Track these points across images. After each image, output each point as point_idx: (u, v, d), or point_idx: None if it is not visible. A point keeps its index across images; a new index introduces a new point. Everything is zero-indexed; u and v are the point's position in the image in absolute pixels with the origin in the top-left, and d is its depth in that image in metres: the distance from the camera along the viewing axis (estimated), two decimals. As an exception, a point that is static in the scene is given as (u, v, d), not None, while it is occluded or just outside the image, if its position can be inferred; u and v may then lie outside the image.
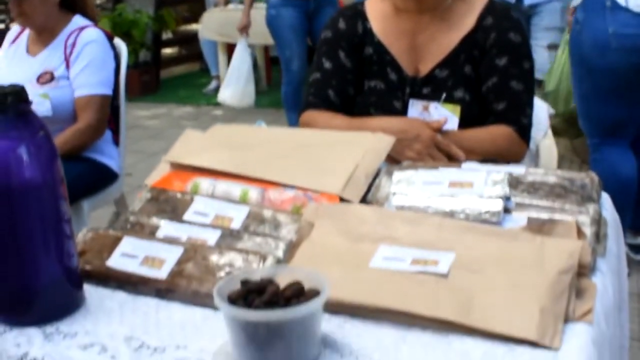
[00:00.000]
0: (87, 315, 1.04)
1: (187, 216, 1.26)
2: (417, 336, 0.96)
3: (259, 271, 0.98)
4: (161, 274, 1.10)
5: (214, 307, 1.03)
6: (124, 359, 0.94)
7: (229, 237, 1.18)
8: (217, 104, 5.73)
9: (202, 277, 1.08)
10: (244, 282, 0.94)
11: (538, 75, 3.85)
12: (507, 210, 1.21)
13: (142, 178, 1.40)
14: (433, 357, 0.92)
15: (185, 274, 1.09)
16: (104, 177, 2.44)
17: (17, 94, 1.01)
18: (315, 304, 0.88)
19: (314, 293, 0.91)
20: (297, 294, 0.91)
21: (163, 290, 1.08)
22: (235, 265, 1.09)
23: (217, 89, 6.14)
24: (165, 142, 1.37)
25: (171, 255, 1.12)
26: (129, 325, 1.01)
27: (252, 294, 0.92)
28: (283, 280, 0.94)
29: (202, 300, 1.06)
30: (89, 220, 2.34)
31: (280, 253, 1.13)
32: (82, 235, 1.18)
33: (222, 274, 1.07)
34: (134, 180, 3.60)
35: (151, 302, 1.07)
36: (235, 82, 5.34)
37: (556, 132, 3.10)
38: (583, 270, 1.08)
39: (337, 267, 1.07)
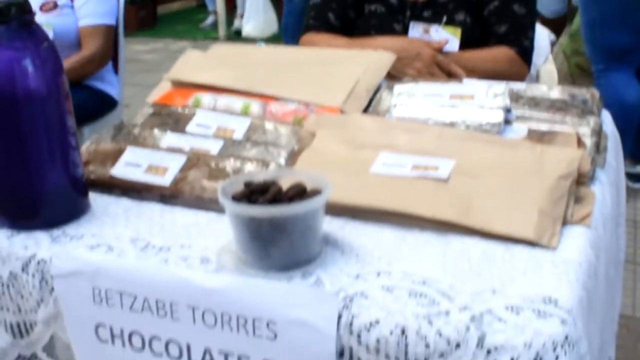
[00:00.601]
0: (92, 219, 1.06)
1: (189, 128, 1.26)
2: (416, 236, 0.98)
3: (262, 174, 1.00)
4: (165, 180, 1.11)
5: (217, 211, 1.05)
6: (130, 256, 0.95)
7: (232, 147, 1.19)
8: (215, 38, 5.69)
9: (205, 183, 1.09)
10: (248, 184, 0.95)
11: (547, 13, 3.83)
12: (507, 122, 1.22)
13: (140, 109, 1.40)
14: (432, 255, 0.94)
15: (188, 181, 1.10)
16: (105, 105, 2.45)
17: (21, 5, 1.01)
18: (318, 200, 0.89)
19: (316, 192, 0.93)
20: (300, 193, 0.93)
21: (167, 196, 1.10)
22: (238, 172, 1.10)
23: (214, 24, 6.10)
24: (162, 75, 1.38)
25: (174, 163, 1.13)
26: (134, 228, 1.03)
27: (256, 193, 0.93)
28: (286, 182, 0.96)
29: (205, 204, 1.08)
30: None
31: (282, 160, 1.15)
32: (85, 147, 1.19)
33: (225, 179, 1.09)
34: (132, 111, 3.61)
35: (155, 208, 1.09)
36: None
37: (583, 69, 3.10)
38: (582, 179, 1.09)
39: (338, 173, 1.08)
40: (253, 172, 1.02)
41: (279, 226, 0.89)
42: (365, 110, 1.32)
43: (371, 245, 0.96)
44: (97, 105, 2.41)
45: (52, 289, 0.96)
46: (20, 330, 0.99)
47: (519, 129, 1.19)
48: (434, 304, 0.84)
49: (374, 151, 1.13)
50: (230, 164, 1.11)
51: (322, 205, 0.91)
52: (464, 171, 1.06)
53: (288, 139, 1.21)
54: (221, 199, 0.91)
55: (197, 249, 0.97)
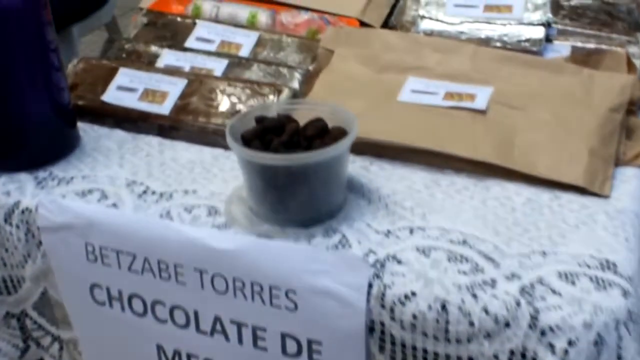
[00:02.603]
0: (82, 157, 0.93)
1: (189, 43, 1.12)
2: (451, 180, 0.87)
3: (274, 106, 0.87)
4: (163, 109, 0.98)
5: (224, 146, 0.93)
6: (127, 206, 0.84)
7: (237, 67, 1.05)
8: None
9: (209, 111, 0.96)
10: (259, 120, 0.83)
11: None
12: (548, 38, 1.07)
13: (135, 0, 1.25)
14: (471, 205, 0.82)
15: (190, 109, 0.97)
16: (93, -1, 2.25)
17: None
18: (342, 145, 0.77)
19: (339, 132, 0.80)
20: (320, 132, 0.80)
21: (166, 127, 0.97)
22: (245, 98, 0.97)
23: None
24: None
25: (174, 88, 1.00)
26: (130, 168, 0.91)
27: (269, 133, 0.80)
28: (303, 116, 0.83)
29: (210, 138, 0.95)
30: (80, 48, 2.19)
31: (296, 84, 1.01)
32: (72, 67, 1.05)
33: (231, 108, 0.96)
34: (125, 1, 3.38)
35: (153, 141, 0.96)
36: None
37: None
38: (632, 108, 0.96)
39: (361, 101, 0.95)
40: (264, 105, 0.89)
41: (298, 175, 0.77)
42: (386, 21, 1.17)
43: (401, 192, 0.85)
44: (85, 0, 2.21)
45: (40, 243, 0.85)
46: (7, 286, 0.89)
47: (561, 47, 1.05)
48: (478, 270, 0.73)
49: (401, 74, 0.99)
50: (237, 90, 0.98)
51: (348, 149, 0.79)
52: (503, 100, 0.93)
53: (302, 58, 1.07)
54: (230, 142, 0.78)
55: (203, 196, 0.85)
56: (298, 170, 0.77)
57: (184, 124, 0.96)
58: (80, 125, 0.98)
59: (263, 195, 0.80)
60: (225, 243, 0.75)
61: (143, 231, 0.78)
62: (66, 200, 0.85)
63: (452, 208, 0.82)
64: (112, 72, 1.03)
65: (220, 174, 0.89)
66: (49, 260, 0.85)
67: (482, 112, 0.91)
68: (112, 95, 1.00)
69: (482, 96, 0.93)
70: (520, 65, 0.98)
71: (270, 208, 0.80)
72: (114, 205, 0.84)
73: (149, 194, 0.86)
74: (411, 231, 0.78)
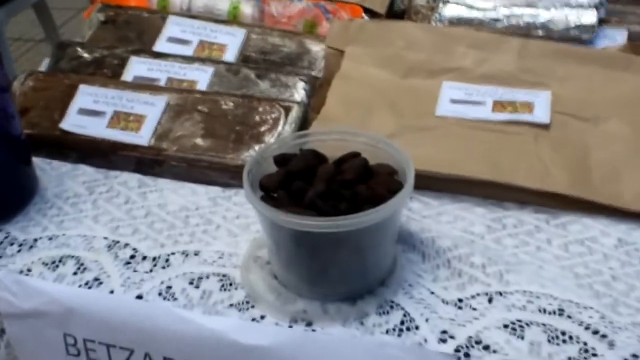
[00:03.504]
0: (44, 209, 0.73)
1: (159, 45, 0.91)
2: (517, 218, 0.69)
3: (289, 137, 0.67)
4: (140, 137, 0.78)
5: (222, 184, 0.74)
6: (114, 280, 0.64)
7: (226, 76, 0.85)
8: None
9: (202, 140, 0.77)
10: (280, 160, 0.64)
11: None
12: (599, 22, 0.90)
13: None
14: (551, 253, 0.65)
15: (175, 137, 0.77)
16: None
17: None
18: (401, 198, 0.58)
19: (386, 172, 0.62)
20: (363, 175, 0.62)
21: (146, 161, 0.77)
22: (246, 120, 0.77)
23: None
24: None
25: (152, 110, 0.80)
26: (108, 223, 0.71)
27: (295, 179, 0.62)
28: (326, 147, 0.65)
29: (204, 174, 0.76)
30: (7, 32, 1.94)
31: (302, 95, 0.82)
32: (18, 84, 0.83)
33: (230, 132, 0.77)
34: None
35: (132, 181, 0.76)
36: None
37: None
38: None
39: (388, 117, 0.77)
40: (282, 139, 0.69)
41: (346, 239, 0.59)
42: (391, 5, 0.98)
43: (461, 239, 0.67)
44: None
45: (3, 331, 0.65)
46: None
47: (615, 34, 0.88)
48: (588, 353, 0.56)
49: (432, 78, 0.81)
50: (232, 108, 0.78)
51: (407, 201, 0.61)
52: (565, 110, 0.76)
53: (306, 60, 0.88)
54: (250, 198, 0.59)
55: (209, 259, 0.66)
56: (346, 233, 0.58)
57: (169, 157, 0.77)
58: (36, 161, 0.77)
59: (296, 263, 0.61)
60: (257, 337, 0.56)
61: (143, 320, 0.59)
62: (33, 277, 0.64)
63: (530, 261, 0.65)
64: (69, 91, 0.82)
65: (225, 225, 0.70)
66: (16, 351, 0.65)
67: (544, 126, 0.74)
68: (72, 122, 0.80)
69: (541, 105, 0.76)
70: (577, 62, 0.80)
71: (305, 279, 0.61)
72: (97, 280, 0.64)
73: (138, 259, 0.67)
74: (489, 298, 0.61)
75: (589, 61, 0.81)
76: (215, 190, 0.75)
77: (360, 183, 0.61)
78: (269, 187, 0.61)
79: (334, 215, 0.57)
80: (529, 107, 0.75)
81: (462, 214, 0.70)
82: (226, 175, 0.75)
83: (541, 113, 0.75)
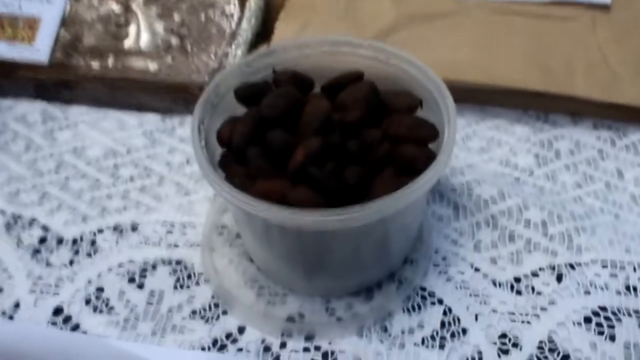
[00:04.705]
0: None
1: None
2: (573, 139, 0.51)
3: (254, 56, 0.46)
4: (37, 52, 0.55)
5: (155, 109, 0.54)
6: (21, 288, 0.45)
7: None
8: None
9: (119, 48, 0.55)
10: (244, 95, 0.43)
11: None
12: None
13: None
14: (620, 186, 0.48)
15: (87, 47, 0.55)
16: None
17: None
18: (445, 157, 0.38)
19: (405, 104, 0.42)
20: (372, 110, 0.41)
21: (48, 85, 0.55)
22: (180, 20, 0.55)
23: None
24: None
25: (48, 10, 0.56)
26: (3, 187, 0.50)
27: (271, 125, 0.41)
28: (310, 64, 0.44)
29: (131, 96, 0.54)
30: None
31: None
32: None
33: (157, 38, 0.55)
34: None
35: (33, 116, 0.55)
36: None
37: None
38: None
39: (387, 1, 0.55)
40: (243, 62, 0.46)
41: (363, 233, 0.39)
42: None
43: (503, 178, 0.48)
44: None
45: None
46: None
47: None
48: None
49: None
50: (160, 5, 0.56)
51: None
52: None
53: None
54: (210, 178, 0.39)
55: (153, 235, 0.46)
56: (364, 227, 0.38)
57: (81, 77, 0.54)
58: None
59: (286, 256, 0.42)
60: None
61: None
62: None
63: (602, 207, 0.47)
64: None
65: (170, 176, 0.50)
66: None
67: (604, 6, 0.54)
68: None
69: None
70: None
71: (299, 272, 0.42)
72: (-9, 285, 0.45)
73: (51, 244, 0.46)
74: (559, 277, 0.43)
75: None
76: (151, 120, 0.54)
77: (371, 126, 0.41)
78: (234, 145, 0.41)
79: (338, 189, 0.38)
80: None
81: (499, 136, 0.51)
82: (166, 98, 0.54)
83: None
